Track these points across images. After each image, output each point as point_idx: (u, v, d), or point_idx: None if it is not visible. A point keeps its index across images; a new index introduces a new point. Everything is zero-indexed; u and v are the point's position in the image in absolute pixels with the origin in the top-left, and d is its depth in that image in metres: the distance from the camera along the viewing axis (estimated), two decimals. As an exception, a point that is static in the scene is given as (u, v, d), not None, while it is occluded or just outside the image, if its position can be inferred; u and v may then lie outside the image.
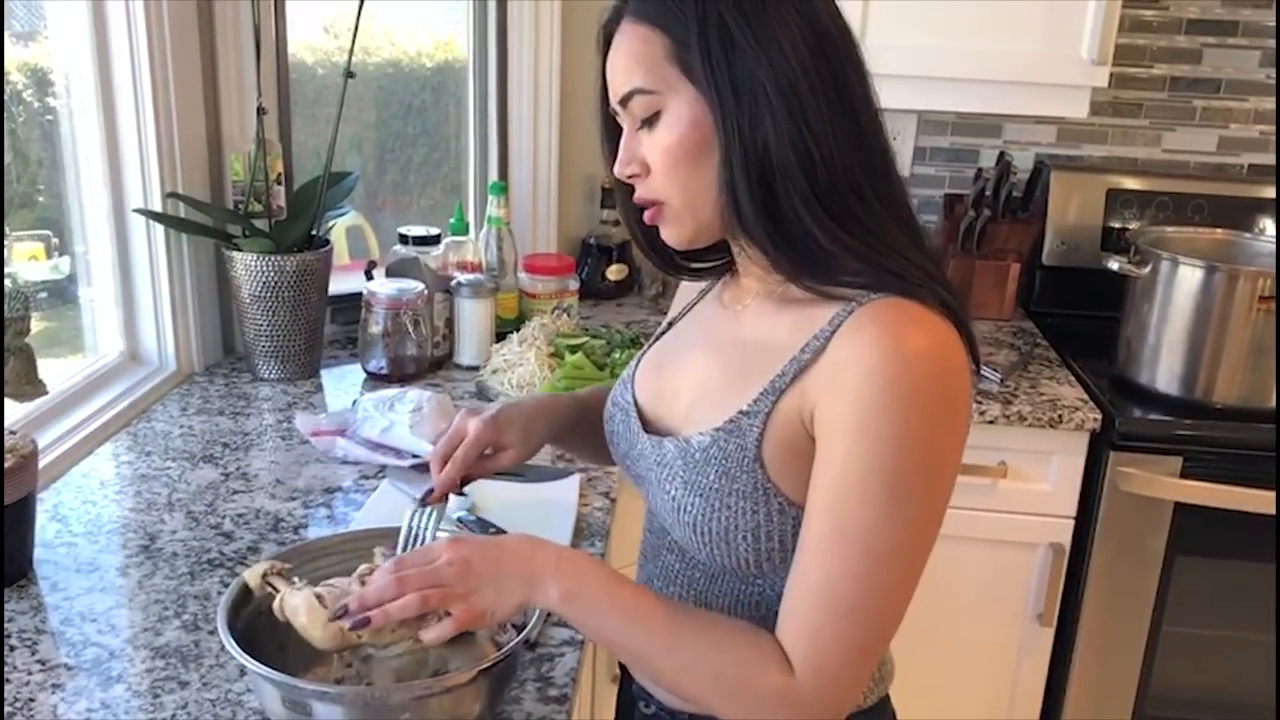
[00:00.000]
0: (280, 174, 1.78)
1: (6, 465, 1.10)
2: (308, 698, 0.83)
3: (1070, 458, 1.86)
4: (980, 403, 1.82)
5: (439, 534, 0.97)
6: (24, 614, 1.11)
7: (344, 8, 1.78)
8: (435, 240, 1.96)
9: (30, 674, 1.01)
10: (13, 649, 1.05)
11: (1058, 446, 1.86)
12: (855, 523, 0.77)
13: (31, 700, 0.97)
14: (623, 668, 1.07)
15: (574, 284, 2.07)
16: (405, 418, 1.49)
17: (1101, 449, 1.84)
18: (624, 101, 0.86)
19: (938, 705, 1.98)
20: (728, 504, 0.84)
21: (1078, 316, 2.28)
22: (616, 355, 1.82)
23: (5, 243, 1.50)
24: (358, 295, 1.85)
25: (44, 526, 1.26)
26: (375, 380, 1.81)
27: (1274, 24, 2.27)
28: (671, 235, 0.90)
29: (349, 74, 1.68)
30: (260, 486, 1.41)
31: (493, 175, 2.27)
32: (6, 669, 1.01)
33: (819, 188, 0.81)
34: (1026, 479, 1.88)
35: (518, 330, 1.87)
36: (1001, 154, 2.27)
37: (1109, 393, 1.91)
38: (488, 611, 0.82)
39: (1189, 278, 1.84)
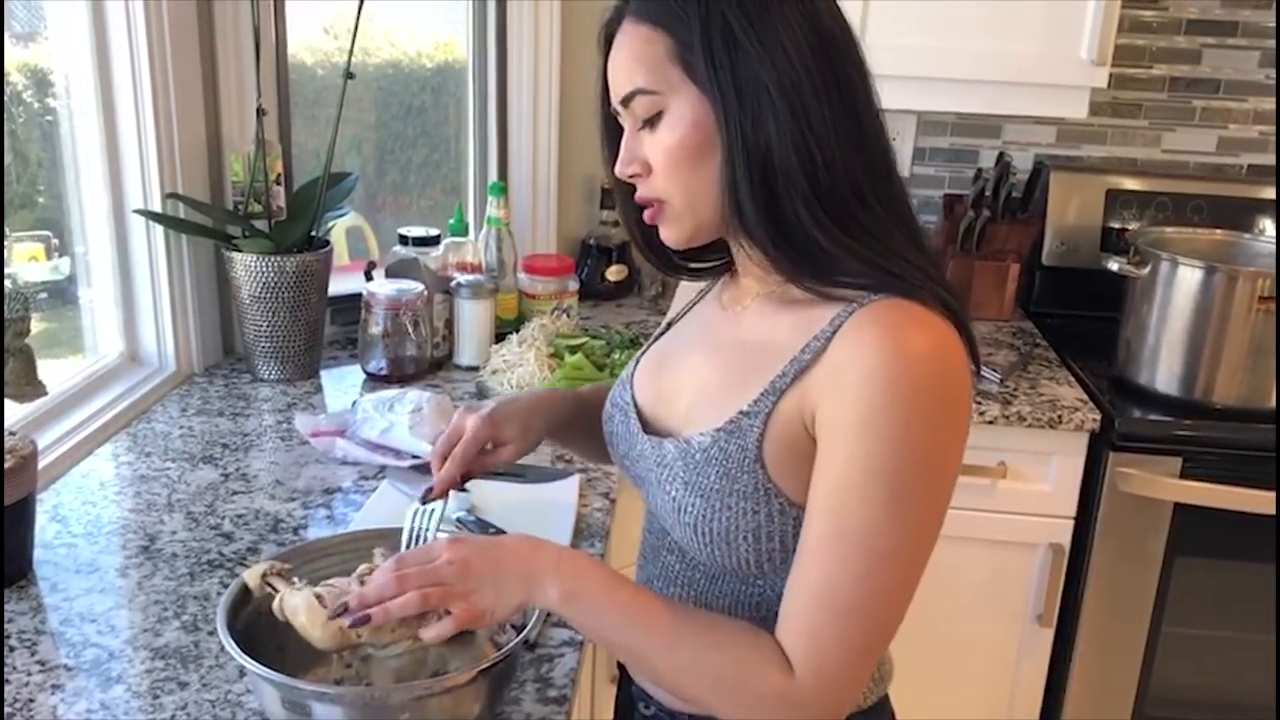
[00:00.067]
0: (280, 175, 1.78)
1: (6, 466, 1.10)
2: (307, 698, 0.83)
3: (1070, 458, 1.86)
4: (980, 403, 1.82)
5: (439, 534, 0.97)
6: (24, 615, 1.11)
7: (344, 8, 1.78)
8: (435, 241, 1.96)
9: (30, 675, 1.01)
10: (12, 650, 1.05)
11: (1057, 447, 1.86)
12: (856, 523, 0.78)
13: (31, 701, 0.97)
14: (622, 669, 1.07)
15: (573, 285, 2.07)
16: (405, 418, 1.49)
17: (1101, 449, 1.84)
18: (625, 101, 0.86)
19: (938, 705, 1.98)
20: (728, 504, 0.84)
21: (1077, 317, 2.28)
22: (616, 356, 1.83)
23: (5, 243, 1.50)
24: (357, 296, 1.85)
25: (44, 527, 1.26)
26: (375, 381, 1.81)
27: (1273, 24, 2.27)
28: (670, 235, 0.90)
29: (349, 75, 1.68)
30: (260, 487, 1.41)
31: (492, 176, 2.27)
32: (6, 670, 1.01)
33: (820, 189, 0.81)
34: (1026, 479, 1.88)
35: (517, 331, 1.87)
36: (1001, 154, 2.27)
37: (1108, 393, 1.91)
38: (487, 611, 0.82)
39: (1188, 278, 1.84)
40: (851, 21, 0.85)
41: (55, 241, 1.64)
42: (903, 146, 2.37)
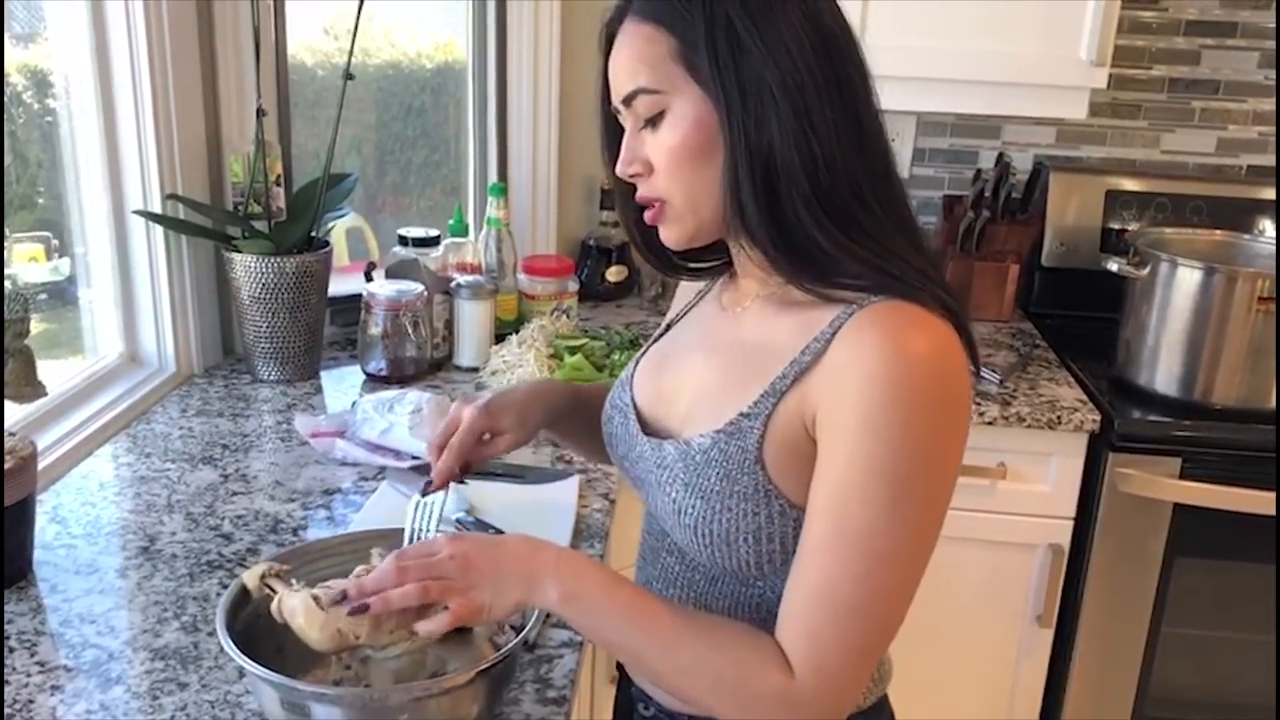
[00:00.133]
0: (280, 175, 1.78)
1: (6, 467, 1.10)
2: (306, 699, 0.83)
3: (1069, 459, 1.86)
4: (979, 404, 1.82)
5: (439, 533, 0.97)
6: (23, 615, 1.10)
7: (344, 8, 1.78)
8: (435, 242, 1.96)
9: (29, 675, 1.01)
10: (12, 650, 1.05)
11: (1057, 447, 1.86)
12: (856, 524, 0.78)
13: (31, 702, 0.97)
14: (621, 669, 1.07)
15: (573, 285, 2.07)
16: (404, 419, 1.49)
17: (1100, 450, 1.84)
18: (627, 101, 0.86)
19: (937, 706, 1.98)
20: (729, 506, 0.84)
21: (1077, 318, 2.28)
22: (616, 356, 1.83)
23: (5, 244, 1.50)
24: (357, 297, 1.84)
25: (43, 528, 1.26)
26: (375, 382, 1.81)
27: (1273, 25, 2.27)
28: (671, 235, 0.90)
29: (348, 75, 1.68)
30: (259, 488, 1.41)
31: (492, 176, 2.27)
32: (6, 670, 1.01)
33: (821, 190, 0.81)
34: (1026, 480, 1.88)
35: (517, 332, 1.88)
36: (1000, 155, 2.27)
37: (1108, 394, 1.91)
38: (485, 607, 0.82)
39: (1188, 279, 1.84)
40: (851, 22, 0.85)
41: (55, 242, 1.64)
42: (902, 147, 2.37)
